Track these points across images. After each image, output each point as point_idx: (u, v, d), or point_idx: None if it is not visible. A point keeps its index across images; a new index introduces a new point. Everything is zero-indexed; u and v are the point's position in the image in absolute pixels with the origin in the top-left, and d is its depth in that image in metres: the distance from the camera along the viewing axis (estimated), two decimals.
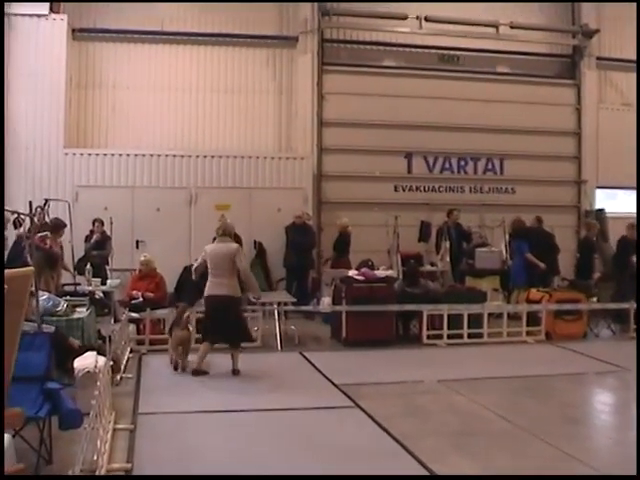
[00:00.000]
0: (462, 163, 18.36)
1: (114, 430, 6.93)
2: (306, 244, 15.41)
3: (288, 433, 7.21)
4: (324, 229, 17.24)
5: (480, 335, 12.50)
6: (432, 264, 16.10)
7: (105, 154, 16.07)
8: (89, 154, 16.03)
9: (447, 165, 18.27)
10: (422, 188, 18.05)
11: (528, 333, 12.84)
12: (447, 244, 15.61)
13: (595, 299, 14.13)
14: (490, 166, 18.49)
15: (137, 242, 15.57)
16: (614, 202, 19.22)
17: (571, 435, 7.19)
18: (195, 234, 15.58)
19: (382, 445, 6.86)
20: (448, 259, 15.54)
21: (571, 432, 7.33)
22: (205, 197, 16.00)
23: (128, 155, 16.08)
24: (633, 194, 18.31)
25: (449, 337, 12.32)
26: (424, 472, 6.08)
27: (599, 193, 19.11)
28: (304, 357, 11.02)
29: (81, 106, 16.86)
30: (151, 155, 16.19)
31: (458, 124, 17.88)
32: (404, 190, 18.01)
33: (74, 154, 15.95)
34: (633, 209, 18.29)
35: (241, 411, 7.01)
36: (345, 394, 8.72)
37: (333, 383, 9.31)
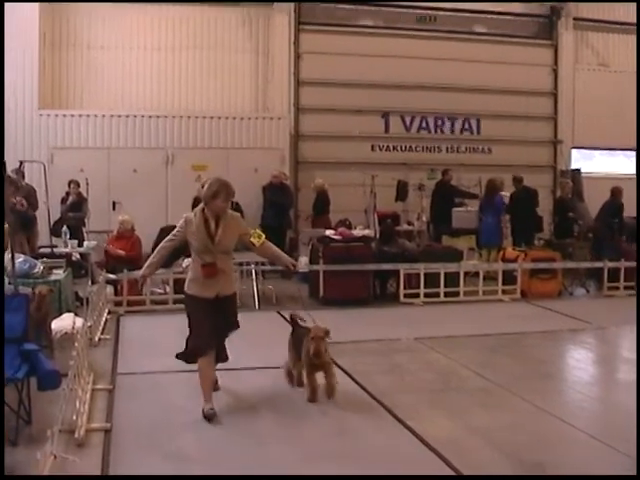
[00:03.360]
0: (439, 123, 18.39)
1: (93, 390, 6.96)
2: (284, 204, 15.40)
3: (266, 391, 7.26)
4: (301, 189, 17.27)
5: (456, 294, 12.61)
6: (409, 223, 16.17)
7: (80, 115, 15.92)
8: (64, 115, 15.88)
9: (424, 125, 18.29)
10: (399, 148, 18.09)
11: (504, 292, 12.96)
12: (425, 202, 15.66)
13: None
14: (467, 126, 18.54)
15: (114, 203, 15.47)
16: (590, 163, 19.34)
17: (545, 390, 7.32)
18: (172, 195, 15.57)
19: (359, 402, 6.95)
20: (424, 218, 15.63)
21: (545, 387, 7.47)
22: (182, 158, 15.92)
23: (104, 116, 15.95)
24: (609, 155, 18.50)
25: (426, 296, 12.41)
26: (401, 427, 6.17)
27: (575, 153, 19.21)
28: (282, 316, 11.06)
29: (55, 66, 16.63)
30: (127, 116, 16.07)
31: (435, 84, 17.86)
32: (381, 150, 18.04)
33: (49, 115, 15.79)
34: (609, 170, 18.56)
35: (219, 370, 7.05)
36: None
37: None
